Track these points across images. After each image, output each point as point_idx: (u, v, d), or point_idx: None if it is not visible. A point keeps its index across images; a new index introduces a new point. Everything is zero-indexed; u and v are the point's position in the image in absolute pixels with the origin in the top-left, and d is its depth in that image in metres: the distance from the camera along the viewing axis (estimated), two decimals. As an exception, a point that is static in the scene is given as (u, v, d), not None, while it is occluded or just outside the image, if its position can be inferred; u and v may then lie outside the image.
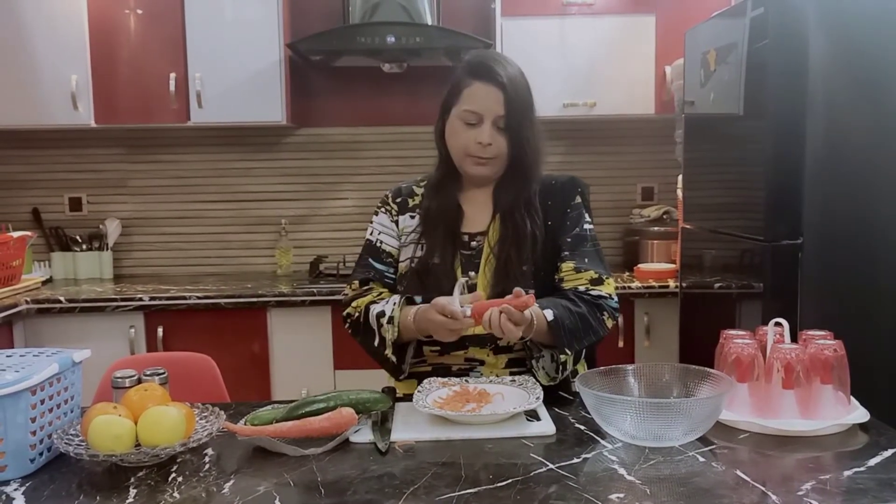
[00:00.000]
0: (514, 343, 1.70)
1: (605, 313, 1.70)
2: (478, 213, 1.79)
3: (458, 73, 1.74)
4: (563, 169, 1.85)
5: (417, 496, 1.16)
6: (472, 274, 1.72)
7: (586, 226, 1.77)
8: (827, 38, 2.17)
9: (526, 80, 1.73)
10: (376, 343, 1.71)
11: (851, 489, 1.17)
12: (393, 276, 1.80)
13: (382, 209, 1.86)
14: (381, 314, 1.70)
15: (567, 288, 1.71)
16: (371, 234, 1.84)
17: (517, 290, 1.51)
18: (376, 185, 3.51)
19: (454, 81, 1.74)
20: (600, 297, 1.70)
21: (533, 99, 1.73)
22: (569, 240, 1.75)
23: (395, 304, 1.70)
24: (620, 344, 3.04)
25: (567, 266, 1.72)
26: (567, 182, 1.81)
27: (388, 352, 1.69)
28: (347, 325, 1.80)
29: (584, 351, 1.72)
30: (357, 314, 1.76)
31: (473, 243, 1.76)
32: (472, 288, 1.68)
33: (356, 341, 1.79)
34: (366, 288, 1.79)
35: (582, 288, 1.70)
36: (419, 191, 1.84)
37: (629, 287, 3.03)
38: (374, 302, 1.74)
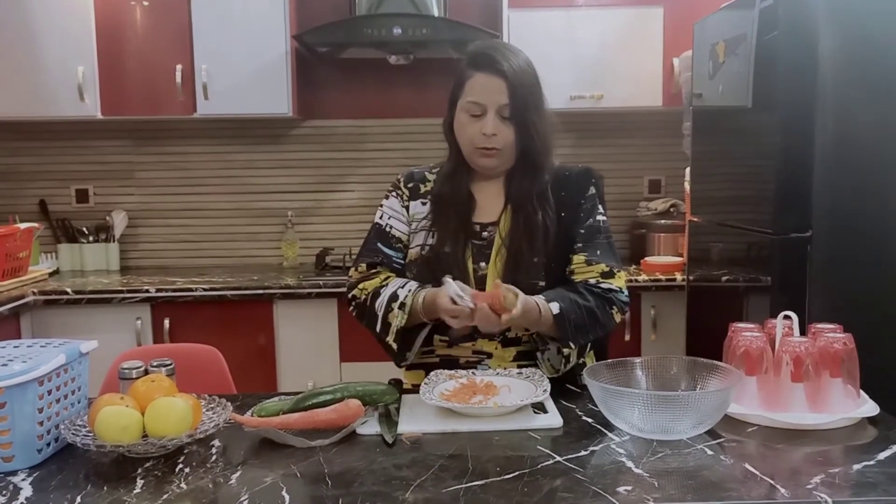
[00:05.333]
0: (522, 335, 1.70)
1: (614, 307, 1.69)
2: (489, 203, 1.77)
3: (462, 65, 1.73)
4: (571, 161, 1.83)
5: (424, 488, 1.16)
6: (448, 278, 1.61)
7: (600, 217, 1.76)
8: (837, 29, 2.15)
9: (533, 68, 1.71)
10: (378, 329, 1.72)
11: (861, 483, 1.16)
12: (401, 260, 1.79)
13: (393, 193, 1.84)
14: (393, 297, 1.69)
15: (578, 280, 1.70)
16: (381, 217, 1.82)
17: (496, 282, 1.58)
18: (382, 178, 3.49)
19: (458, 74, 1.73)
20: (610, 290, 1.69)
21: (541, 87, 1.71)
22: (582, 231, 1.74)
23: (409, 291, 1.69)
24: (627, 337, 3.04)
25: (579, 258, 1.71)
26: (581, 173, 1.79)
27: (390, 338, 1.69)
28: (353, 307, 1.80)
29: (589, 344, 1.72)
30: (364, 297, 1.75)
31: (485, 233, 1.75)
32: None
33: (361, 324, 1.79)
34: (373, 271, 1.78)
35: (592, 281, 1.69)
36: (431, 177, 1.82)
37: (636, 280, 3.02)
38: (382, 286, 1.73)
